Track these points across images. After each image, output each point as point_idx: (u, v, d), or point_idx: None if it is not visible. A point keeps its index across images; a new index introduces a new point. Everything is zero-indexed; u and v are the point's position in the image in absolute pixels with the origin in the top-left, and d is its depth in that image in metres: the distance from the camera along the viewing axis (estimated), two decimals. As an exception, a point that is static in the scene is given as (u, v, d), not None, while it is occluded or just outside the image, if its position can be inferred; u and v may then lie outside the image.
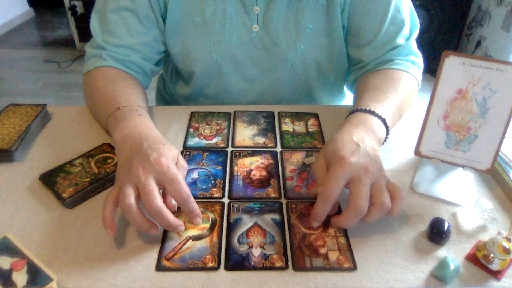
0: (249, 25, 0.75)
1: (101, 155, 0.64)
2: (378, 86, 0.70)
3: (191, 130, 0.72)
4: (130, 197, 0.48)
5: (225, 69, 0.80)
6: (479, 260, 0.49)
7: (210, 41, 0.76)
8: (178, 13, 0.74)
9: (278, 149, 0.68)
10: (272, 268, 0.48)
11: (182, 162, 0.56)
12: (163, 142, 0.55)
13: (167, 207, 0.50)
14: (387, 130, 0.63)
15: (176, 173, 0.51)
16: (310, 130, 0.73)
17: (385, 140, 0.63)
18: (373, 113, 0.62)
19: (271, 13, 0.73)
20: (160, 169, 0.50)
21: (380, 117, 0.62)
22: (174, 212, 0.54)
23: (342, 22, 0.75)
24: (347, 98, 0.99)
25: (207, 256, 0.49)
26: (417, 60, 0.78)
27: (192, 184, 0.60)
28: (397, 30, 0.75)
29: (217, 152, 0.67)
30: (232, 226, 0.53)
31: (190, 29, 0.75)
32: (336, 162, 0.51)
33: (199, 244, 0.51)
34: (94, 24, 0.75)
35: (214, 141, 0.70)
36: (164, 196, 0.53)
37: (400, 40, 0.76)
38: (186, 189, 0.51)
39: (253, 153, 0.67)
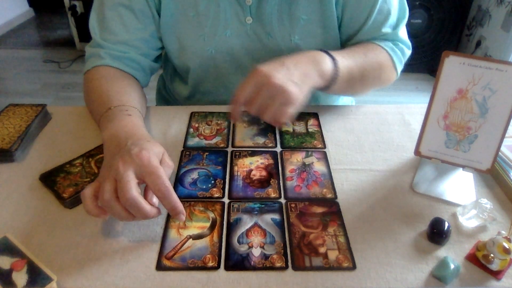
0: (243, 18, 0.75)
1: (101, 155, 0.64)
2: (348, 48, 0.75)
3: (191, 130, 0.72)
4: (109, 192, 0.47)
5: (221, 63, 0.80)
6: (479, 260, 0.49)
7: (204, 35, 0.76)
8: (172, 8, 0.74)
9: (278, 149, 0.68)
10: (272, 268, 0.48)
11: (168, 160, 0.55)
12: (148, 139, 0.55)
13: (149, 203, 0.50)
14: (336, 70, 0.66)
15: (157, 167, 0.49)
16: (310, 130, 0.73)
17: (333, 82, 0.66)
18: (326, 52, 0.67)
19: (264, 5, 0.73)
20: (140, 162, 0.49)
21: (331, 56, 0.66)
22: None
23: (336, 12, 0.75)
24: (346, 98, 0.99)
25: (207, 256, 0.49)
26: (402, 46, 0.79)
27: (192, 184, 0.60)
28: (383, 20, 0.76)
29: (217, 152, 0.67)
30: (232, 226, 0.53)
31: (184, 23, 0.76)
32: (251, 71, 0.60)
33: (199, 243, 0.51)
34: (93, 22, 0.76)
35: (214, 141, 0.70)
36: (145, 192, 0.52)
37: (385, 30, 0.77)
38: (166, 183, 0.49)
39: (253, 153, 0.67)
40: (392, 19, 0.77)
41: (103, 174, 0.51)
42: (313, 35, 0.77)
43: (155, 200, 0.52)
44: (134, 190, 0.47)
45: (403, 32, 0.79)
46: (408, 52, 0.81)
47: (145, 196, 0.51)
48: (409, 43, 0.81)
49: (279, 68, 0.60)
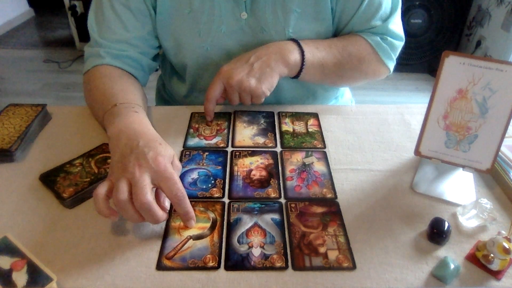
0: (238, 13, 0.75)
1: (101, 155, 0.64)
2: (328, 39, 0.77)
3: (191, 130, 0.72)
4: (125, 193, 0.48)
5: (217, 59, 0.79)
6: (479, 260, 0.49)
7: (200, 31, 0.76)
8: (168, 5, 0.75)
9: (278, 149, 0.68)
10: (272, 268, 0.48)
11: (177, 162, 0.56)
12: (159, 141, 0.55)
13: (160, 207, 0.51)
14: (303, 60, 0.71)
15: (173, 173, 0.51)
16: (310, 130, 0.73)
17: (300, 71, 0.72)
18: (297, 42, 0.72)
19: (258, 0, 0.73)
20: (157, 168, 0.50)
21: (299, 46, 0.71)
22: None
23: (331, 5, 0.75)
24: (345, 97, 1.00)
25: (208, 256, 0.49)
26: (391, 40, 0.79)
27: (192, 184, 0.60)
28: (373, 12, 0.76)
29: (217, 152, 0.67)
30: (232, 226, 0.53)
31: (179, 21, 0.76)
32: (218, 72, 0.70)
33: (200, 243, 0.51)
34: (91, 22, 0.76)
35: (214, 141, 0.70)
36: (157, 196, 0.53)
37: (375, 23, 0.77)
38: (182, 190, 0.51)
39: (253, 153, 0.67)
40: (384, 11, 0.77)
41: (116, 174, 0.51)
42: (307, 28, 0.77)
43: (167, 203, 0.53)
44: (149, 195, 0.48)
45: (395, 25, 0.79)
46: (400, 44, 0.81)
47: (157, 199, 0.52)
48: (402, 35, 0.80)
49: (240, 65, 0.69)
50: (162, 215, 0.49)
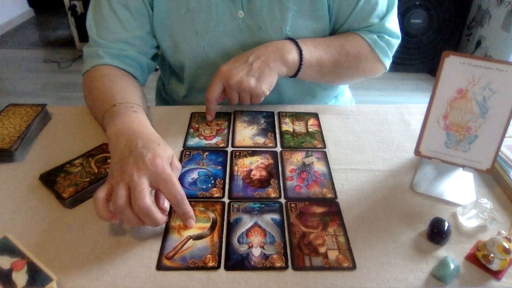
0: (234, 12, 0.74)
1: (101, 155, 0.64)
2: (326, 38, 0.78)
3: (191, 130, 0.72)
4: (123, 198, 0.48)
5: (215, 58, 0.79)
6: (479, 260, 0.49)
7: (197, 30, 0.76)
8: (165, 5, 0.75)
9: (278, 149, 0.68)
10: (272, 268, 0.48)
11: (176, 163, 0.56)
12: (158, 142, 0.55)
13: (159, 208, 0.51)
14: (301, 59, 0.71)
15: (171, 174, 0.51)
16: (310, 130, 0.73)
17: (299, 70, 0.72)
18: (295, 42, 0.72)
19: None
20: (155, 170, 0.50)
21: (298, 45, 0.71)
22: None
23: (328, 3, 0.75)
24: (345, 96, 1.00)
25: (208, 256, 0.49)
26: (388, 38, 0.79)
27: (192, 184, 0.60)
28: (371, 10, 0.76)
29: (217, 152, 0.67)
30: (232, 226, 0.53)
31: (176, 20, 0.76)
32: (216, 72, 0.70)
33: (200, 243, 0.51)
34: (90, 21, 0.76)
35: (214, 141, 0.70)
36: (156, 197, 0.53)
37: (373, 20, 0.77)
38: (180, 191, 0.50)
39: (253, 153, 0.67)
40: (381, 9, 0.77)
41: (115, 177, 0.51)
42: (304, 26, 0.77)
43: (166, 204, 0.54)
44: (148, 199, 0.48)
45: (391, 23, 0.79)
46: (396, 42, 0.81)
47: (156, 201, 0.53)
48: (398, 33, 0.81)
49: (239, 64, 0.69)
50: (161, 218, 0.49)
